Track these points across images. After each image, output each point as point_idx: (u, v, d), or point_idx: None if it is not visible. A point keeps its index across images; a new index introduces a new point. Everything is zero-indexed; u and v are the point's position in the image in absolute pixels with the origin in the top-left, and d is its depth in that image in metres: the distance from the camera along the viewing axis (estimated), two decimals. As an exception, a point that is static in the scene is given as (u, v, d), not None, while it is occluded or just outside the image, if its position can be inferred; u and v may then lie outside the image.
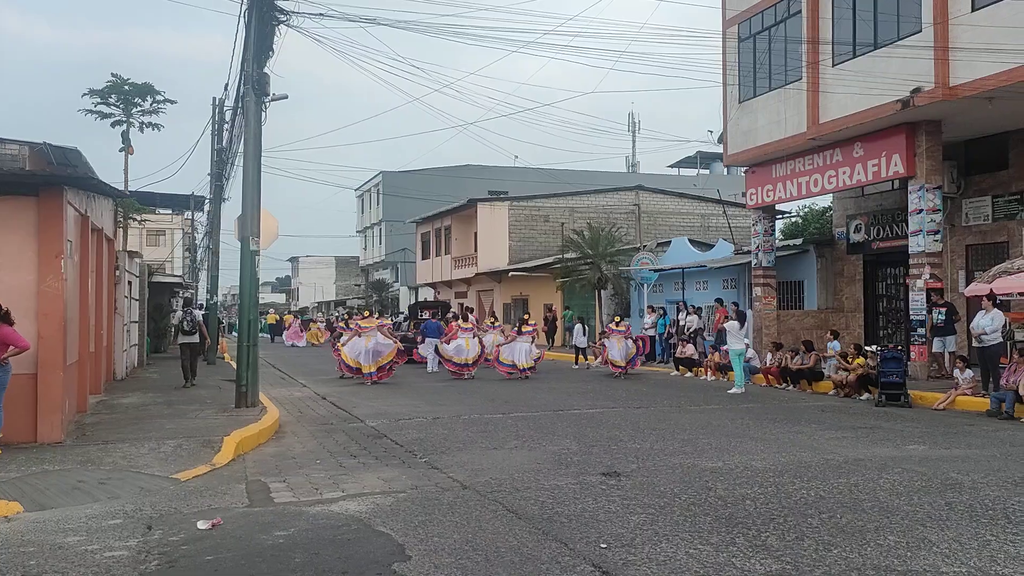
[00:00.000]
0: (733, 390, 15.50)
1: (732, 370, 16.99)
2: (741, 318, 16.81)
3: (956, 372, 13.55)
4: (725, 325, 16.69)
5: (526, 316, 23.02)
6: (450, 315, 25.64)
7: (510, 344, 19.79)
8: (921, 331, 16.10)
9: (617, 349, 19.57)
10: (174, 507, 6.65)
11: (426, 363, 21.62)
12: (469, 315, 23.29)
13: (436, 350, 19.92)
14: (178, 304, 33.89)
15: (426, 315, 26.99)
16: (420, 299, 45.07)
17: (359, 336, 18.55)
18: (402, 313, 38.35)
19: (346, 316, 31.94)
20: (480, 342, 19.93)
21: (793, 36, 18.29)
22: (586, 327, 23.67)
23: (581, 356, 22.99)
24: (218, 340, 28.22)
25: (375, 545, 5.50)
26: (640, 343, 20.19)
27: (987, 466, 8.00)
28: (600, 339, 20.64)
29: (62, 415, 9.72)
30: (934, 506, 6.37)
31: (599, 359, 20.33)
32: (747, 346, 16.82)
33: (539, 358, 20.13)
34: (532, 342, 20.04)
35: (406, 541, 5.55)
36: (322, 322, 48.99)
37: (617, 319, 20.68)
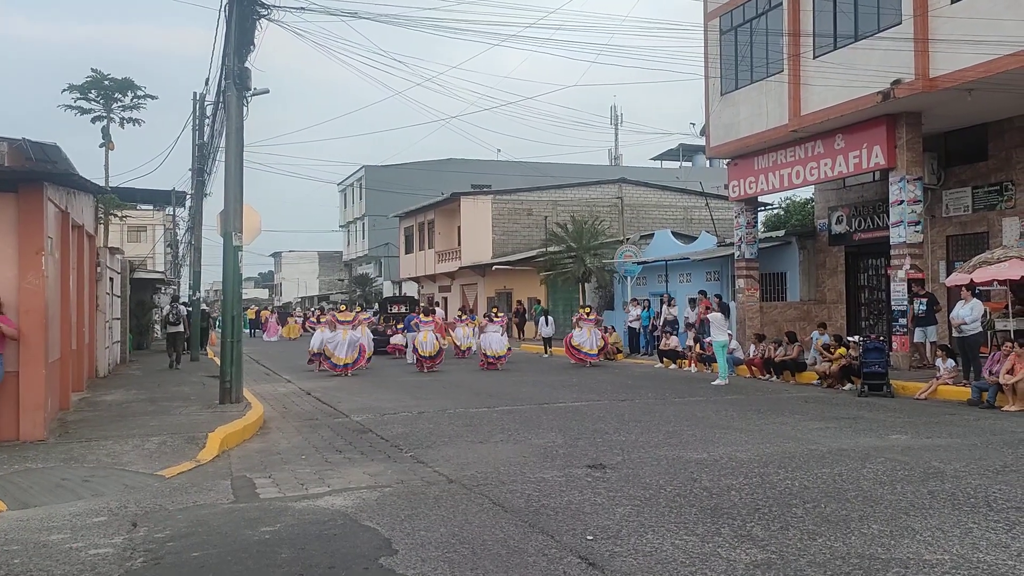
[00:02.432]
0: (717, 382, 15.60)
1: (716, 362, 17.07)
2: (724, 310, 16.97)
3: (938, 362, 13.69)
4: (709, 317, 16.85)
5: (494, 308, 23.95)
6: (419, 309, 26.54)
7: (484, 335, 20.33)
8: (903, 321, 16.25)
9: (587, 338, 20.10)
10: (159, 504, 6.62)
11: (396, 353, 22.93)
12: (434, 309, 24.14)
13: (414, 344, 20.43)
14: (160, 300, 34.63)
15: (395, 309, 28.78)
16: (402, 293, 45.74)
17: (332, 330, 19.08)
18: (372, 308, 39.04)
19: (318, 311, 32.49)
20: (442, 335, 20.83)
21: (774, 28, 18.35)
22: (548, 319, 24.98)
23: (547, 347, 24.40)
24: (208, 334, 28.82)
25: (362, 540, 5.50)
26: (605, 335, 21.10)
27: (969, 455, 8.10)
28: (573, 327, 20.98)
29: (45, 413, 9.64)
30: (917, 495, 6.44)
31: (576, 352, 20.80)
32: (731, 337, 16.98)
33: (509, 349, 20.66)
34: (502, 333, 20.53)
35: (393, 535, 5.55)
36: (300, 316, 48.86)
37: (588, 309, 21.36)
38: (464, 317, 24.91)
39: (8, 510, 6.49)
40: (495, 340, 19.99)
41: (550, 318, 25.19)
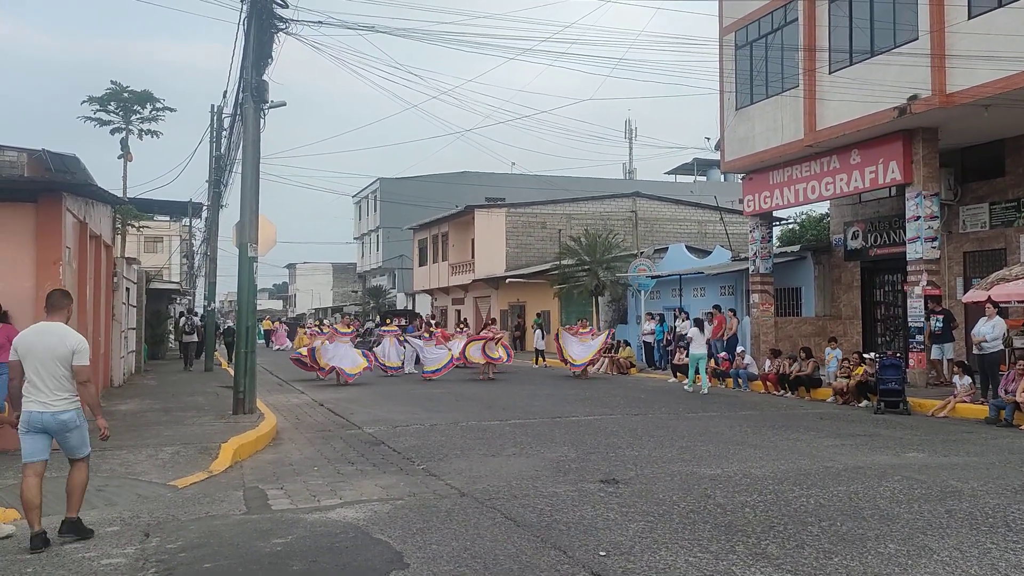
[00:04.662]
0: (692, 388, 16.74)
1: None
2: (699, 324, 17.72)
3: (955, 379, 13.56)
4: (688, 332, 17.74)
5: (491, 320, 25.46)
6: (427, 322, 28.19)
7: (478, 344, 21.35)
8: (919, 338, 16.10)
9: (578, 349, 20.72)
10: (171, 514, 6.63)
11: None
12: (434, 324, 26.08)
13: (416, 358, 21.61)
14: (175, 311, 35.76)
15: (396, 322, 30.08)
16: (409, 307, 46.54)
17: (330, 342, 20.18)
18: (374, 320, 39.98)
19: (316, 323, 33.26)
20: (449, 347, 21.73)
21: (790, 44, 18.33)
22: (544, 332, 27.27)
23: (541, 358, 26.36)
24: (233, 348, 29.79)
25: (373, 553, 5.48)
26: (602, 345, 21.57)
27: (986, 474, 8.00)
28: (561, 336, 21.54)
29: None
30: (934, 514, 6.36)
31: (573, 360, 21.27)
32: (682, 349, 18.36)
33: (501, 358, 21.62)
34: (497, 342, 21.63)
35: (404, 549, 5.53)
36: (310, 328, 49.38)
37: (584, 321, 22.31)
38: (466, 329, 25.79)
39: (21, 518, 6.50)
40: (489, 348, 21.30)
41: (543, 332, 27.37)
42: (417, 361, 21.77)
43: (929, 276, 16.08)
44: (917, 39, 15.22)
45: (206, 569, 5.19)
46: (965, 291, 16.04)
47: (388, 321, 25.33)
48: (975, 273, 17.27)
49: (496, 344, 21.31)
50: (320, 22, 13.25)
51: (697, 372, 16.88)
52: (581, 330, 21.40)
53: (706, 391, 16.46)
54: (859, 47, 16.60)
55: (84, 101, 28.61)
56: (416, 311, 41.66)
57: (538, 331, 27.52)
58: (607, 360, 22.35)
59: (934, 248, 16.20)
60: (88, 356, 6.01)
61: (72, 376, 5.90)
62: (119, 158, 28.99)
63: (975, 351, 13.56)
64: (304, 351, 21.14)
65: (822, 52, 17.38)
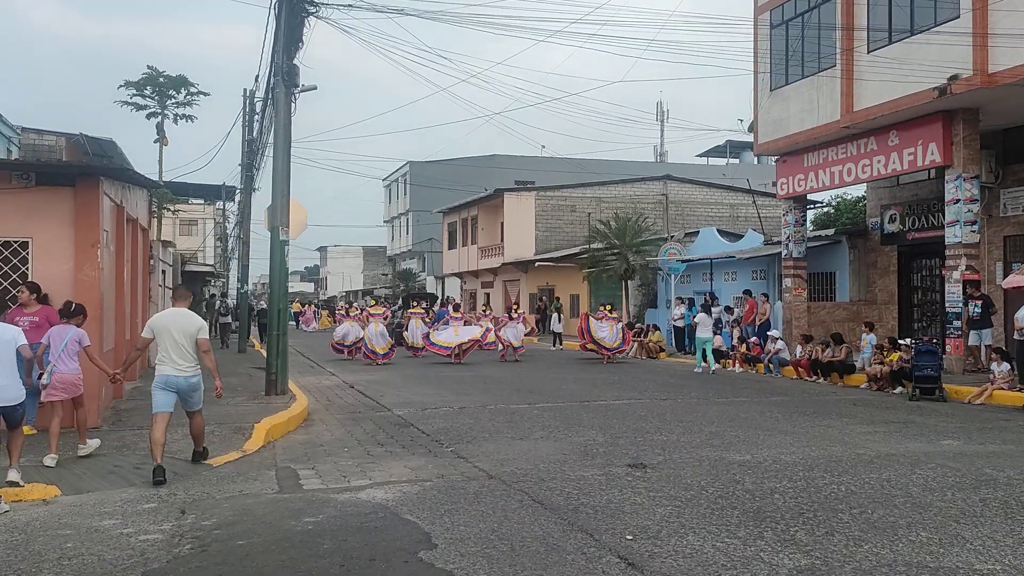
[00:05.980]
0: (697, 370, 17.80)
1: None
2: (707, 310, 18.91)
3: (993, 366, 13.32)
4: (696, 318, 18.71)
5: (514, 305, 26.15)
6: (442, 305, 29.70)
7: (503, 328, 21.90)
8: (957, 324, 15.81)
9: (608, 332, 20.95)
10: (206, 492, 6.76)
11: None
12: (459, 305, 26.83)
13: (428, 336, 21.74)
14: (208, 293, 37.28)
15: (415, 304, 30.68)
16: (430, 291, 47.67)
17: (359, 325, 21.18)
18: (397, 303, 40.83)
19: (345, 305, 33.94)
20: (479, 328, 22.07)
21: (827, 22, 17.97)
22: (561, 316, 28.55)
23: (558, 341, 27.33)
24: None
25: (402, 533, 5.55)
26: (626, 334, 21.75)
27: (1022, 462, 7.86)
28: (588, 321, 21.52)
29: (99, 401, 9.90)
30: (968, 502, 6.27)
31: (589, 343, 21.40)
32: (714, 334, 18.91)
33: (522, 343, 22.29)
34: (520, 325, 22.25)
35: (432, 529, 5.59)
36: (341, 311, 50.12)
37: (609, 307, 22.24)
38: (490, 312, 26.29)
39: (62, 495, 6.68)
40: (511, 333, 21.75)
41: (560, 315, 28.53)
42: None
43: (968, 260, 15.76)
44: (958, 17, 14.85)
45: (240, 546, 5.30)
46: (1005, 276, 15.70)
47: (414, 304, 26.30)
48: (1015, 258, 16.89)
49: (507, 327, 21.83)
50: (350, 5, 13.27)
51: (704, 355, 17.98)
52: (610, 316, 21.43)
53: (713, 372, 17.66)
54: (898, 25, 16.22)
55: (121, 86, 29.04)
56: (434, 293, 42.62)
57: (555, 314, 28.57)
58: (636, 344, 22.31)
59: (973, 232, 15.87)
60: (207, 332, 7.83)
61: (196, 348, 7.54)
62: (155, 142, 29.42)
63: (1016, 336, 13.28)
64: (337, 337, 21.76)
65: (860, 31, 17.01)
